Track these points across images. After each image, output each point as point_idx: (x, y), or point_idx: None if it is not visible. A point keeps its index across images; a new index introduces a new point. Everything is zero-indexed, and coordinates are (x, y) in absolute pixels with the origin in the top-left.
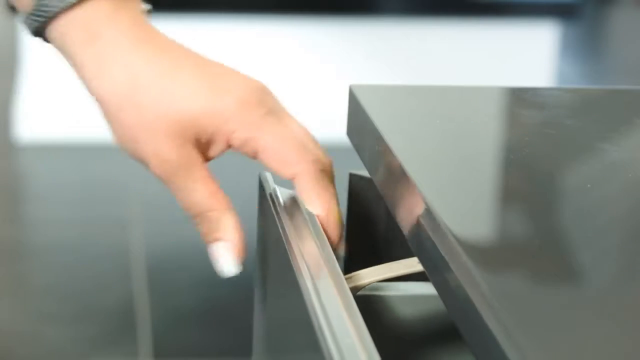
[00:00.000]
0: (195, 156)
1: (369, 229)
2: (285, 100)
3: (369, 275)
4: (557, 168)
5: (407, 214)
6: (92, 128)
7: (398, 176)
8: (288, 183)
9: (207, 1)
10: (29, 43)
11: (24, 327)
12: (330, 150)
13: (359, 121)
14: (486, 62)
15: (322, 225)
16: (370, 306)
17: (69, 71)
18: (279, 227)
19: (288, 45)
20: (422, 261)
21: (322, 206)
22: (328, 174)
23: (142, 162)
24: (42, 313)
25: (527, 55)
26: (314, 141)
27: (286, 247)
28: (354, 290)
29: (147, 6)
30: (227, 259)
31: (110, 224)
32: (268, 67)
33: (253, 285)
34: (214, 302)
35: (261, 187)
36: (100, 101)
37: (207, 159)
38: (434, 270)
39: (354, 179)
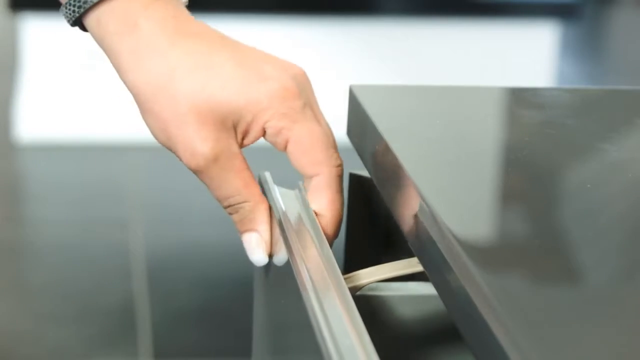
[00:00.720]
0: (231, 146)
1: (369, 229)
2: None
3: (368, 276)
4: (557, 168)
5: (407, 214)
6: (92, 128)
7: (398, 176)
8: (288, 183)
9: (207, 1)
10: (29, 43)
11: (24, 327)
12: None
13: (359, 121)
14: (486, 62)
15: (323, 226)
16: (369, 306)
17: (69, 72)
18: (278, 227)
19: (288, 45)
20: (422, 261)
21: (332, 212)
22: (342, 179)
23: (175, 154)
24: (42, 313)
25: (527, 55)
26: (335, 142)
27: (284, 246)
28: (353, 290)
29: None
30: (259, 250)
31: (110, 224)
32: None
33: (252, 286)
34: (214, 302)
35: (261, 187)
36: (136, 93)
37: (242, 145)
38: (434, 270)
39: (354, 179)
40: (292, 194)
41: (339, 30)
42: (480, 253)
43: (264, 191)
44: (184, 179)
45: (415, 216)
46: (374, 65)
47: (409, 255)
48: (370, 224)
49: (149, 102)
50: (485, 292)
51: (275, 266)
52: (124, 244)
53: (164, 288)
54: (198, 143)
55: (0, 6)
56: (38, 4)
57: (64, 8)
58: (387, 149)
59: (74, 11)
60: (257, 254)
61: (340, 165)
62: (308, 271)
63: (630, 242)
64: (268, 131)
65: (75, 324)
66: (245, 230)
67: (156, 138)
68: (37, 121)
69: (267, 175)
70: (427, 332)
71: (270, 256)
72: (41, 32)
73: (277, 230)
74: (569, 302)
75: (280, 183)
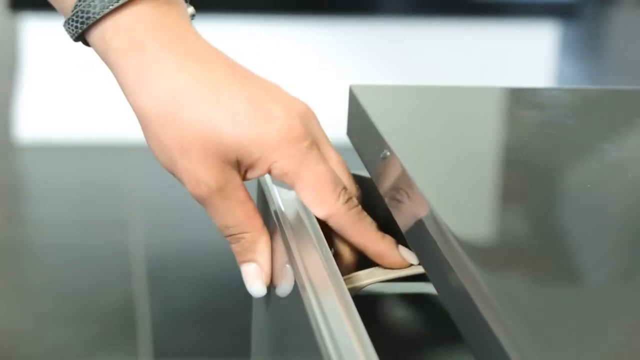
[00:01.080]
0: (234, 179)
1: None
2: None
3: (368, 277)
4: (557, 168)
5: (407, 214)
6: (92, 128)
7: (398, 176)
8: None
9: (207, 1)
10: (29, 43)
11: (24, 327)
12: None
13: (359, 121)
14: (486, 62)
15: (379, 261)
16: (369, 306)
17: (69, 72)
18: (278, 229)
19: (288, 45)
20: (422, 261)
21: (363, 244)
22: (359, 209)
23: (179, 180)
24: (42, 313)
25: (527, 55)
26: (347, 172)
27: (284, 247)
28: (353, 291)
29: (192, 10)
30: (257, 281)
31: (110, 224)
32: (268, 67)
33: None
34: (214, 302)
35: (260, 189)
36: (140, 114)
37: (244, 179)
38: (434, 270)
39: (354, 179)
40: (291, 194)
41: (339, 30)
42: (480, 253)
43: (263, 193)
44: None
45: (416, 216)
46: (374, 65)
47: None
48: None
49: (154, 126)
50: (485, 292)
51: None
52: (124, 244)
53: (164, 288)
54: (202, 173)
55: (0, 6)
56: (38, 4)
57: (66, 24)
58: (387, 149)
59: (76, 27)
60: (255, 285)
61: (352, 199)
62: (307, 272)
63: (630, 242)
64: (274, 172)
65: (75, 324)
66: (244, 261)
67: (159, 161)
68: (37, 121)
69: (267, 177)
70: (426, 332)
71: (269, 288)
72: (41, 32)
73: (279, 262)
74: (569, 302)
75: (279, 184)
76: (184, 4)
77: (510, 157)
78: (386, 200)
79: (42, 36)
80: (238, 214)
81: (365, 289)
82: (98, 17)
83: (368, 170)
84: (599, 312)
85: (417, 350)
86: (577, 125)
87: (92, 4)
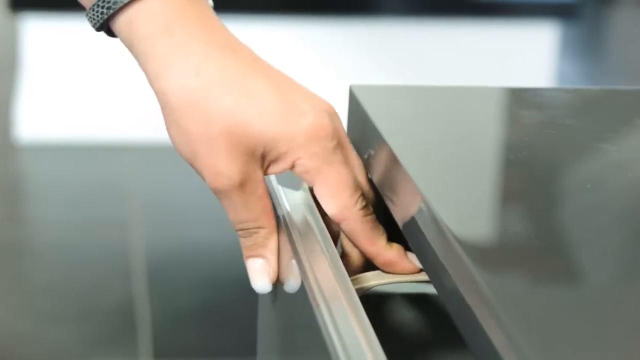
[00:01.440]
0: (257, 173)
1: None
2: None
3: (375, 278)
4: (557, 168)
5: (407, 214)
6: (92, 128)
7: (398, 176)
8: (294, 184)
9: None
10: (29, 43)
11: (24, 327)
12: None
13: (359, 121)
14: (486, 62)
15: (389, 267)
16: (375, 307)
17: (69, 71)
18: (284, 228)
19: (288, 45)
20: (421, 261)
21: (373, 252)
22: (374, 217)
23: (197, 171)
24: (42, 313)
25: (527, 55)
26: (367, 178)
27: (290, 248)
28: (360, 292)
29: (211, 2)
30: (263, 277)
31: (110, 224)
32: None
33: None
34: (214, 302)
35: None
36: (164, 101)
37: (266, 173)
38: (434, 270)
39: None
40: (297, 195)
41: (339, 30)
42: (480, 253)
43: (269, 191)
44: (184, 179)
45: (415, 216)
46: (374, 65)
47: None
48: None
49: (178, 114)
50: (485, 292)
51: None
52: (124, 244)
53: (164, 288)
54: (225, 165)
55: (0, 6)
56: (38, 4)
57: (90, 11)
58: (387, 149)
59: (102, 12)
60: (261, 281)
61: (368, 205)
62: (315, 273)
63: (630, 242)
64: (297, 168)
65: (75, 324)
66: (253, 256)
67: (179, 151)
68: (37, 121)
69: (272, 177)
70: (433, 333)
71: (274, 285)
72: (41, 32)
73: (286, 258)
74: (568, 302)
75: (285, 184)
76: None
77: (510, 157)
78: (386, 199)
79: (42, 36)
80: (256, 210)
81: (372, 289)
82: (126, 1)
83: (368, 170)
84: (599, 312)
85: (423, 350)
86: (577, 125)
87: None
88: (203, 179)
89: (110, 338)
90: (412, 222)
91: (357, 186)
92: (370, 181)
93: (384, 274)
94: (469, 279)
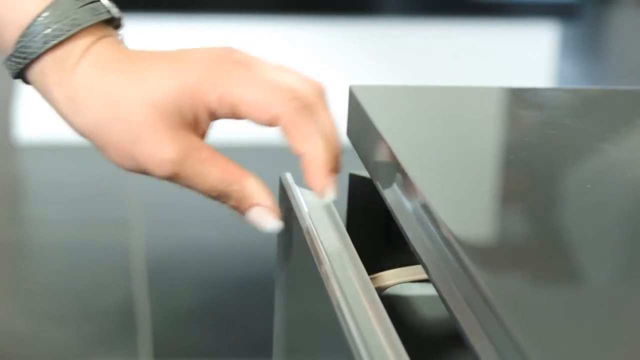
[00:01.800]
0: (192, 140)
1: (369, 229)
2: None
3: (393, 277)
4: (557, 168)
5: (407, 214)
6: None
7: (398, 176)
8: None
9: (207, 1)
10: None
11: (24, 327)
12: None
13: (358, 121)
14: (486, 62)
15: (305, 166)
16: (393, 307)
17: None
18: (302, 228)
19: (288, 45)
20: (421, 261)
21: (303, 147)
22: (311, 108)
23: (147, 172)
24: (42, 313)
25: (527, 55)
26: (294, 75)
27: (309, 247)
28: (378, 291)
29: (122, 36)
30: (267, 218)
31: (110, 224)
32: None
33: (254, 286)
34: (214, 302)
35: (282, 189)
36: (87, 135)
37: (202, 137)
38: (434, 270)
39: (354, 179)
40: (314, 194)
41: (339, 30)
42: (480, 253)
43: (285, 192)
44: None
45: (415, 216)
46: (374, 65)
47: (409, 255)
48: (370, 224)
49: (101, 137)
50: (485, 292)
51: (298, 267)
52: (124, 244)
53: (164, 288)
54: (160, 151)
55: None
56: None
57: (8, 60)
58: (387, 149)
59: (18, 62)
60: (268, 222)
61: (298, 97)
62: (334, 271)
63: (630, 242)
64: (212, 107)
65: (75, 324)
66: (245, 208)
67: (125, 168)
68: (37, 121)
69: (288, 176)
70: (450, 333)
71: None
72: None
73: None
74: (569, 302)
75: (300, 184)
76: (119, 34)
77: (510, 157)
78: (385, 200)
79: None
80: (213, 173)
81: (390, 289)
82: (40, 51)
83: (368, 170)
84: (599, 312)
85: (442, 350)
86: (577, 125)
87: (34, 39)
88: (154, 175)
89: (110, 338)
90: (412, 222)
91: (273, 84)
92: (370, 180)
93: (402, 273)
94: (469, 279)
